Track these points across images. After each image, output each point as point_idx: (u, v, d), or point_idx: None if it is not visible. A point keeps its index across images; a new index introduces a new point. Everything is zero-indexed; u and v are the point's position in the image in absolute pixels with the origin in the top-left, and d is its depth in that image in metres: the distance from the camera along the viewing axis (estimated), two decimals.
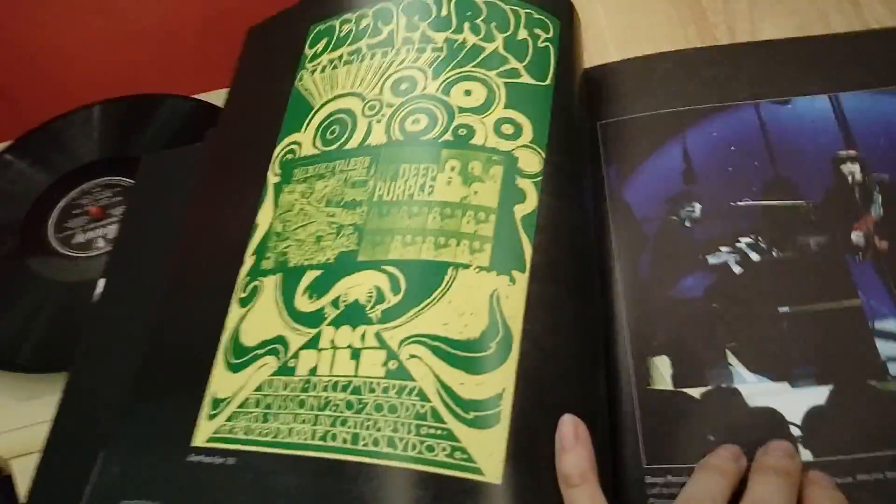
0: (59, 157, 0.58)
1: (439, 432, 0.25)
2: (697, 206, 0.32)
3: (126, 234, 0.41)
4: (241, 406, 0.29)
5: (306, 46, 0.37)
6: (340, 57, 0.35)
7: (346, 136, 0.33)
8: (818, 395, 0.27)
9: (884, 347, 0.27)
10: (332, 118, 0.34)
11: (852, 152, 0.33)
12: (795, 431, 0.26)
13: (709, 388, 0.28)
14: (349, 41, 0.36)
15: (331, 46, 0.36)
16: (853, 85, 0.35)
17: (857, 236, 0.30)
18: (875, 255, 0.30)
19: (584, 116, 0.34)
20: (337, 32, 0.36)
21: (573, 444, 0.24)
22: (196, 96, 0.60)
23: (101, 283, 0.38)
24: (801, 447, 0.26)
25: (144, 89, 0.60)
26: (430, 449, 0.25)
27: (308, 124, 0.34)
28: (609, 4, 0.47)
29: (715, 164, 0.33)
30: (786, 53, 0.37)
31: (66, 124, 0.60)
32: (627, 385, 0.29)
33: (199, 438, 0.29)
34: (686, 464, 0.26)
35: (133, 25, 0.71)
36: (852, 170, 0.32)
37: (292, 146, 0.34)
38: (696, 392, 0.28)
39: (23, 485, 0.42)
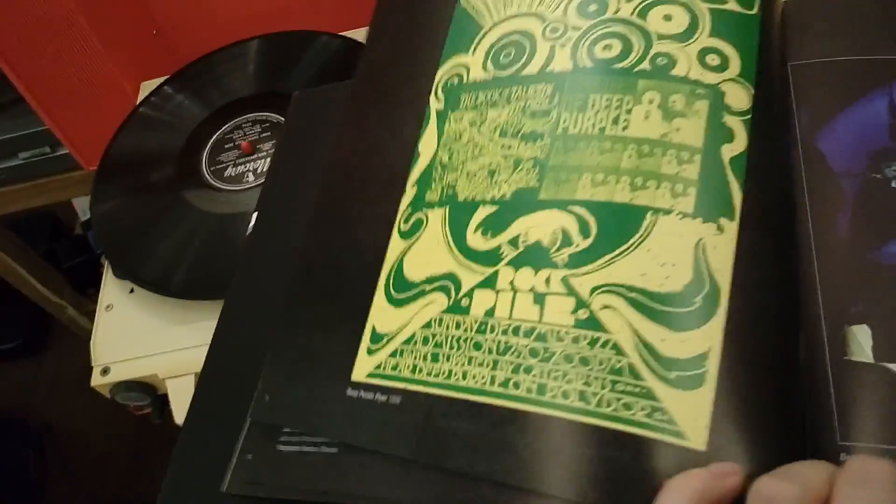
0: (215, 91, 0.59)
1: (638, 390, 0.22)
2: None
3: (278, 169, 0.39)
4: (406, 342, 0.27)
5: None
6: None
7: (523, 61, 0.29)
8: None
9: None
10: (506, 40, 0.30)
11: None
12: None
13: None
14: None
15: None
16: None
17: None
18: None
19: (784, 55, 0.30)
20: None
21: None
22: (345, 34, 0.58)
23: (254, 216, 0.37)
24: None
25: (293, 26, 0.58)
26: (628, 407, 0.22)
27: (477, 46, 0.31)
28: None
29: None
30: None
31: (221, 59, 0.60)
32: (822, 353, 0.26)
33: (359, 373, 0.27)
34: (885, 444, 0.23)
35: None
36: None
37: (458, 69, 0.31)
38: None
39: (175, 403, 0.43)
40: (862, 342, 0.25)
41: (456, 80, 0.31)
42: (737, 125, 0.26)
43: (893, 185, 0.28)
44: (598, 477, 0.22)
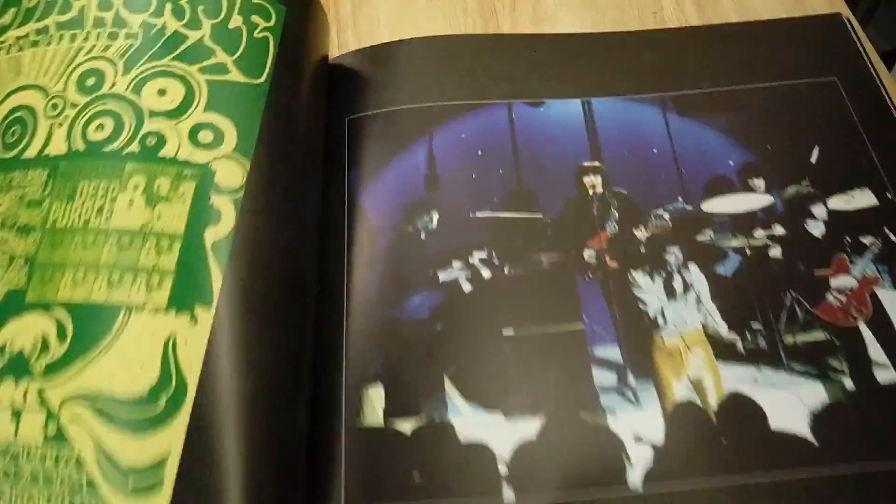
0: None
1: None
2: (435, 216, 0.29)
3: None
4: None
5: None
6: (27, 35, 0.29)
7: (25, 142, 0.27)
8: (530, 428, 0.25)
9: (599, 376, 0.26)
10: (13, 116, 0.28)
11: (597, 163, 0.30)
12: (503, 469, 0.24)
13: (421, 422, 0.25)
14: (37, 16, 0.29)
15: (19, 20, 0.29)
16: (606, 91, 0.31)
17: (589, 254, 0.28)
18: (604, 275, 0.28)
19: (318, 114, 0.29)
20: (26, 1, 0.30)
21: None
22: None
23: None
24: (505, 485, 0.24)
25: None
26: None
27: None
28: None
29: (460, 170, 0.30)
30: (546, 50, 0.33)
31: None
32: (338, 419, 0.26)
33: None
34: (392, 500, 0.24)
35: None
36: (594, 182, 0.29)
37: None
38: (407, 426, 0.25)
39: None
40: (375, 403, 0.26)
41: None
42: (226, 205, 0.25)
43: (422, 236, 0.29)
44: None
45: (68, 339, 0.24)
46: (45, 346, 0.24)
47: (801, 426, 0.24)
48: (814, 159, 0.29)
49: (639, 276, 0.28)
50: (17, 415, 0.23)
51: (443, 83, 0.32)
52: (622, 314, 0.27)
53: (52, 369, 0.23)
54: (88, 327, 0.24)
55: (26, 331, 0.24)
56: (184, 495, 0.22)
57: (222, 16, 0.28)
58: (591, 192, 0.30)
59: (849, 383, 0.24)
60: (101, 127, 0.26)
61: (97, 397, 0.23)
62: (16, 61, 0.29)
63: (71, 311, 0.24)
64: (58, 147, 0.26)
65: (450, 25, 0.36)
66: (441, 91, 0.32)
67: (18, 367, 0.24)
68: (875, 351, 0.25)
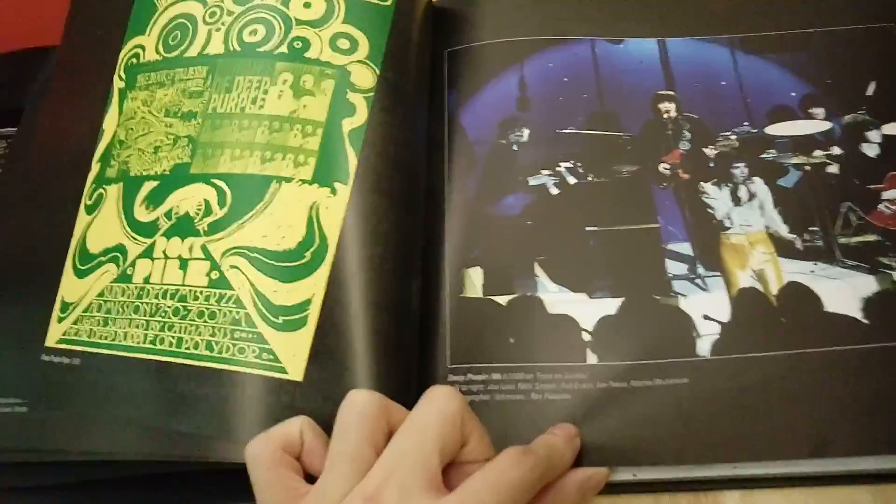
0: None
1: (251, 336, 0.25)
2: (526, 132, 0.32)
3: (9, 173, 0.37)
4: (85, 310, 0.28)
5: None
6: None
7: (186, 43, 0.30)
8: (611, 306, 0.27)
9: (671, 266, 0.28)
10: (174, 22, 0.31)
11: (671, 92, 0.32)
12: (586, 337, 0.27)
13: (515, 295, 0.28)
14: None
15: None
16: (679, 32, 0.34)
17: (664, 167, 0.30)
18: (677, 185, 0.30)
19: (426, 41, 0.32)
20: None
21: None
22: None
23: None
24: (588, 351, 0.27)
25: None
26: (242, 351, 0.25)
27: (152, 27, 0.31)
28: None
29: (548, 93, 0.32)
30: None
31: None
32: (444, 293, 0.29)
33: (51, 339, 0.28)
34: (487, 363, 0.27)
35: None
36: (668, 108, 0.32)
37: (137, 50, 0.31)
38: (503, 299, 0.28)
39: None
40: (475, 281, 0.29)
41: (134, 60, 0.31)
42: (359, 101, 0.28)
43: (514, 148, 0.32)
44: (223, 413, 0.25)
45: (228, 204, 0.27)
46: (207, 209, 0.27)
47: (853, 310, 0.26)
48: (870, 92, 0.31)
49: (708, 187, 0.30)
50: (184, 264, 0.27)
51: (532, 22, 0.35)
52: (692, 216, 0.29)
53: (214, 228, 0.27)
54: (245, 194, 0.27)
55: (191, 197, 0.28)
56: (324, 332, 0.25)
57: None
58: (665, 115, 0.32)
59: None
60: (254, 31, 0.29)
61: (253, 250, 0.26)
62: None
63: (229, 181, 0.27)
64: (216, 47, 0.29)
65: None
66: (531, 28, 0.35)
67: (184, 226, 0.27)
68: None
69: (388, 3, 0.30)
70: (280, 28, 0.29)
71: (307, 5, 0.29)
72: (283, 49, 0.29)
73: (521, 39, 0.34)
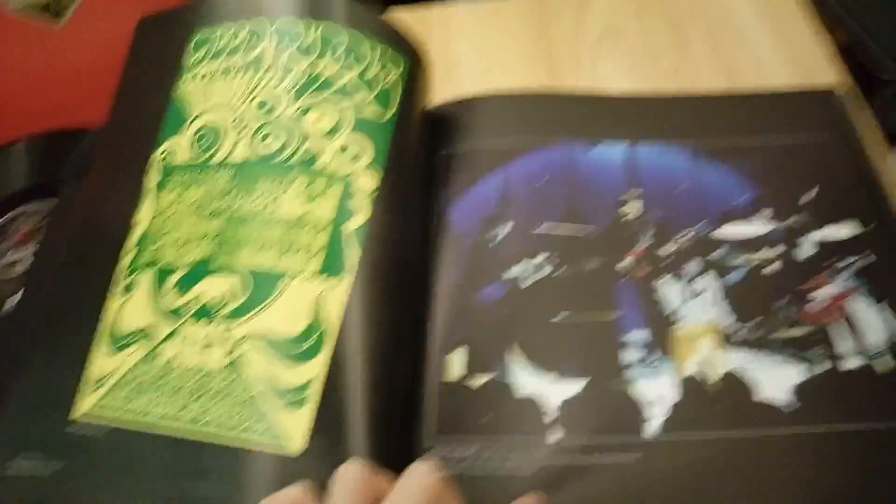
0: None
1: (258, 415, 0.28)
2: (506, 228, 0.36)
3: (46, 249, 0.41)
4: (114, 386, 0.31)
5: (190, 50, 0.38)
6: (218, 68, 0.36)
7: (216, 148, 0.35)
8: (576, 385, 0.31)
9: (628, 353, 0.32)
10: (206, 128, 0.35)
11: (639, 190, 0.37)
12: (552, 416, 0.30)
13: (486, 379, 0.32)
14: (226, 53, 0.37)
15: (210, 55, 0.37)
16: (649, 137, 0.39)
17: (628, 262, 0.35)
18: (638, 279, 0.34)
19: (421, 148, 0.37)
20: (217, 42, 0.37)
21: None
22: None
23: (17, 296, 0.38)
24: (552, 429, 0.30)
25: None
26: (250, 429, 0.28)
27: (186, 130, 0.36)
28: (472, 43, 0.48)
29: (527, 193, 0.37)
30: (598, 106, 0.40)
31: None
32: (432, 374, 0.32)
33: (79, 410, 0.31)
34: (463, 438, 0.30)
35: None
36: (636, 205, 0.36)
37: (172, 149, 0.36)
38: (478, 382, 0.32)
39: None
40: (458, 362, 0.33)
41: (169, 160, 0.36)
42: (363, 202, 0.32)
43: (494, 242, 0.36)
44: (234, 483, 0.28)
45: (247, 294, 0.31)
46: (228, 298, 0.31)
47: (784, 396, 0.30)
48: (809, 199, 0.36)
49: (664, 281, 0.34)
50: (205, 348, 0.30)
51: (518, 129, 0.40)
52: (649, 308, 0.33)
53: (233, 315, 0.30)
54: (261, 285, 0.31)
55: (214, 286, 0.31)
56: (323, 411, 0.28)
57: (366, 63, 0.35)
58: (631, 213, 0.36)
59: (826, 365, 0.30)
60: (274, 140, 0.34)
61: (264, 336, 0.30)
62: (208, 87, 0.37)
63: (248, 273, 0.31)
64: (242, 153, 0.34)
65: (522, 82, 0.43)
66: (516, 135, 0.39)
67: (207, 313, 0.31)
68: (844, 344, 0.31)
69: (391, 114, 0.35)
70: (296, 139, 0.33)
71: (320, 118, 0.34)
72: (299, 157, 0.33)
73: (507, 147, 0.39)
